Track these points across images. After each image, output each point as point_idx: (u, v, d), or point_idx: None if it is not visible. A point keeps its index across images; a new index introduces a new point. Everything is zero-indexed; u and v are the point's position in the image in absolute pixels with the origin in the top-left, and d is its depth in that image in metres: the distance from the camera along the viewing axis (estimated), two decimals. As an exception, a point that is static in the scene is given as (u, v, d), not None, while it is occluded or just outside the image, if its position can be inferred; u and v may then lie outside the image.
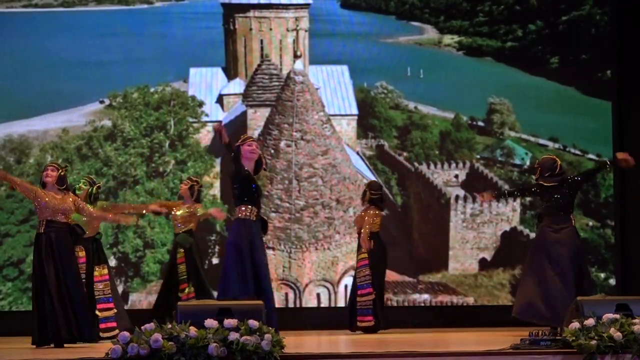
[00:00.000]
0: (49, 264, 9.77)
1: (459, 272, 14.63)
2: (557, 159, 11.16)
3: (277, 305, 14.08)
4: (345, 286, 14.34)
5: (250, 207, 9.48)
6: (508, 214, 14.64)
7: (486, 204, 14.62)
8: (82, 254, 10.51)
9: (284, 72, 14.74)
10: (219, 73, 14.79)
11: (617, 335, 8.02)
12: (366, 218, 12.26)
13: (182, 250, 11.60)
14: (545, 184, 11.01)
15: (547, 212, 11.08)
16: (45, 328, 9.68)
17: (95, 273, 10.83)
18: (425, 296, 14.48)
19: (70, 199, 10.04)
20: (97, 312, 10.70)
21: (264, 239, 9.89)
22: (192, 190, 11.80)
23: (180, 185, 12.12)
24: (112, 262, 14.14)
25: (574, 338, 8.08)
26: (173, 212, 11.80)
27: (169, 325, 7.55)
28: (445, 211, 14.71)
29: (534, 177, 11.51)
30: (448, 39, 15.21)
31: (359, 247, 12.39)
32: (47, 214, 9.88)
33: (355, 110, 14.86)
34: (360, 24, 15.14)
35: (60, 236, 9.87)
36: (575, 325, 8.18)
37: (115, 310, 10.92)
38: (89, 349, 9.26)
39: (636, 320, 8.21)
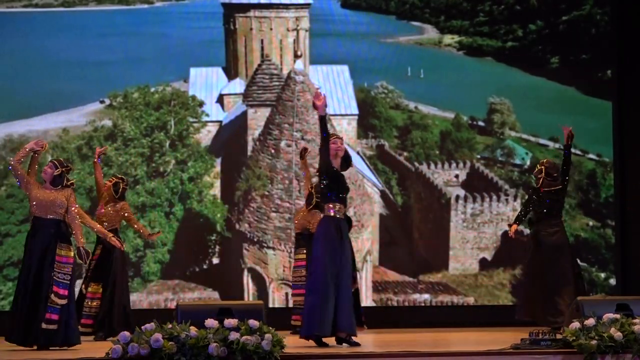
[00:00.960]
0: (29, 263, 9.73)
1: (459, 272, 14.62)
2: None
3: (276, 305, 14.17)
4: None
5: (338, 204, 9.44)
6: (508, 213, 14.63)
7: (487, 204, 14.66)
8: (70, 253, 10.08)
9: (285, 72, 14.73)
10: (219, 73, 14.78)
11: (618, 335, 8.04)
12: (313, 222, 11.80)
13: (100, 246, 11.41)
14: (546, 189, 11.08)
15: (540, 217, 11.17)
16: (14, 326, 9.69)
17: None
18: (426, 296, 14.48)
19: (64, 195, 9.82)
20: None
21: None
22: (117, 188, 11.53)
23: (106, 182, 11.76)
24: (112, 262, 14.13)
25: (574, 338, 8.10)
26: (98, 210, 11.64)
27: (170, 325, 7.56)
28: (445, 211, 14.70)
29: (534, 177, 11.54)
30: (448, 38, 15.20)
31: (297, 247, 12.27)
32: (35, 211, 9.78)
33: (355, 110, 14.85)
34: (360, 23, 15.14)
35: (40, 235, 9.73)
36: (576, 325, 8.20)
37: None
38: (89, 349, 9.25)
39: (636, 320, 8.23)
